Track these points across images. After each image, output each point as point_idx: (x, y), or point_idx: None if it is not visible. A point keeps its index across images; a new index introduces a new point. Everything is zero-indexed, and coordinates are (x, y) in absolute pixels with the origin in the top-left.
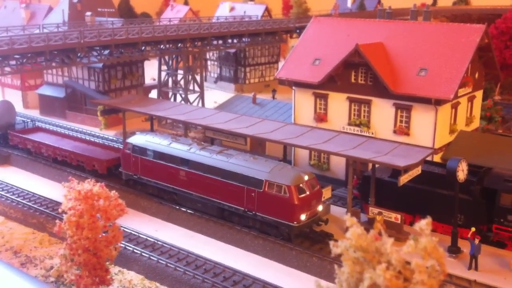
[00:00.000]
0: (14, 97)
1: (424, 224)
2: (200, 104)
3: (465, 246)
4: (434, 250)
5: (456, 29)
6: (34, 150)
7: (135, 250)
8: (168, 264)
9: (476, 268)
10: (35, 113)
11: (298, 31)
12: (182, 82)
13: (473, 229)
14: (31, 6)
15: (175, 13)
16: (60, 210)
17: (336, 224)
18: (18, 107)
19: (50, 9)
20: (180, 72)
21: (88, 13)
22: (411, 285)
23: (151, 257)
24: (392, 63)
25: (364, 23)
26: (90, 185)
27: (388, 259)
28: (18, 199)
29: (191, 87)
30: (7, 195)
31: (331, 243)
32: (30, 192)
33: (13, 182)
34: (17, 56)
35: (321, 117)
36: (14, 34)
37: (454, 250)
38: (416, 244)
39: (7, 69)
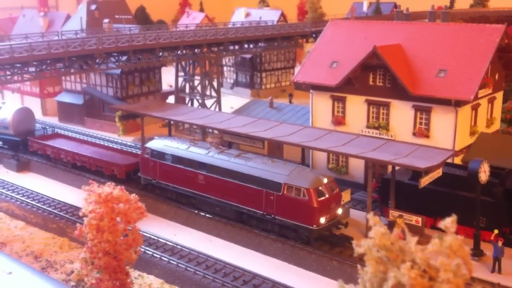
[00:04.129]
0: (33, 105)
1: (449, 222)
2: (217, 110)
3: (487, 249)
4: (460, 248)
5: (475, 29)
6: (54, 156)
7: (154, 254)
8: (188, 268)
9: (499, 271)
10: (54, 120)
11: (314, 35)
12: (199, 88)
13: (496, 231)
14: (49, 14)
15: (191, 20)
16: (80, 214)
17: (356, 228)
18: (37, 114)
19: (68, 17)
20: (197, 77)
21: (106, 20)
22: (436, 284)
23: (171, 261)
24: (410, 64)
25: (381, 25)
26: (110, 188)
27: (413, 258)
28: (38, 204)
29: (207, 93)
30: (28, 200)
31: (354, 242)
32: (50, 197)
33: (33, 188)
34: (36, 63)
35: (339, 120)
36: (34, 41)
37: (476, 253)
38: (441, 243)
39: (27, 76)
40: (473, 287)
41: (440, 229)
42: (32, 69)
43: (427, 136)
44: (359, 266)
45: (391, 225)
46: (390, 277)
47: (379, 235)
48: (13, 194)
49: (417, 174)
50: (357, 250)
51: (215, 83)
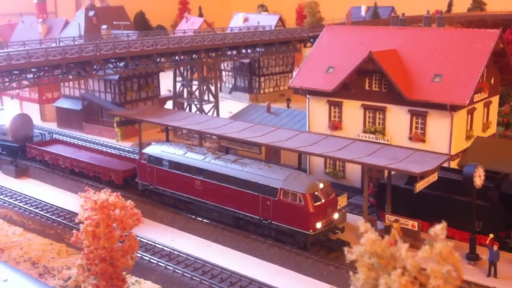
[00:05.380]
0: (32, 110)
1: (439, 229)
2: (215, 115)
3: (483, 253)
4: (450, 255)
5: (471, 34)
6: (52, 162)
7: (151, 260)
8: (185, 274)
9: (495, 275)
10: (52, 126)
11: (312, 40)
12: (197, 93)
13: (491, 235)
14: (47, 21)
15: (190, 25)
16: (76, 220)
17: (353, 233)
18: (36, 120)
19: (67, 23)
20: (195, 83)
21: (104, 26)
22: None
23: (168, 267)
24: (406, 69)
25: (377, 30)
26: (106, 195)
27: (403, 265)
28: (36, 210)
29: (206, 98)
30: (26, 206)
31: (346, 249)
32: (48, 203)
33: (31, 194)
34: (34, 70)
35: (335, 125)
36: (31, 48)
37: (472, 257)
38: (432, 249)
39: (25, 82)
40: None
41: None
42: (30, 75)
43: (423, 141)
44: (351, 273)
45: (387, 230)
46: (381, 284)
47: (370, 242)
48: (11, 200)
49: (413, 178)
50: (349, 257)
51: (213, 88)
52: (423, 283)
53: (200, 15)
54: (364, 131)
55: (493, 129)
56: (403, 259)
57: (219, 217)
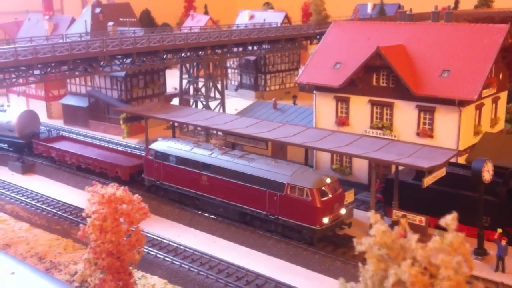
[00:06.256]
0: (39, 108)
1: (449, 219)
2: (221, 112)
3: (491, 248)
4: (461, 245)
5: (479, 29)
6: (58, 158)
7: (158, 255)
8: (191, 268)
9: (503, 270)
10: (59, 123)
11: (318, 37)
12: (203, 90)
13: (499, 230)
14: (54, 18)
15: (196, 23)
16: (83, 214)
17: (360, 228)
18: (43, 117)
19: (73, 20)
20: (201, 80)
21: (110, 23)
22: (437, 281)
23: (174, 261)
24: (414, 65)
25: (384, 26)
26: (113, 189)
27: (413, 256)
28: (42, 206)
29: (212, 95)
30: (32, 202)
31: (355, 240)
32: (54, 199)
33: (38, 190)
34: (40, 66)
35: (342, 121)
36: (38, 44)
37: (480, 252)
38: (442, 240)
39: (32, 78)
40: (474, 285)
41: (443, 229)
42: (36, 72)
43: (431, 136)
44: (360, 264)
45: (394, 225)
46: (391, 275)
47: (380, 233)
48: (17, 196)
49: (420, 174)
50: (358, 248)
51: (219, 85)
52: (433, 273)
53: (206, 12)
54: (371, 127)
55: (501, 125)
56: (413, 250)
57: (226, 212)
